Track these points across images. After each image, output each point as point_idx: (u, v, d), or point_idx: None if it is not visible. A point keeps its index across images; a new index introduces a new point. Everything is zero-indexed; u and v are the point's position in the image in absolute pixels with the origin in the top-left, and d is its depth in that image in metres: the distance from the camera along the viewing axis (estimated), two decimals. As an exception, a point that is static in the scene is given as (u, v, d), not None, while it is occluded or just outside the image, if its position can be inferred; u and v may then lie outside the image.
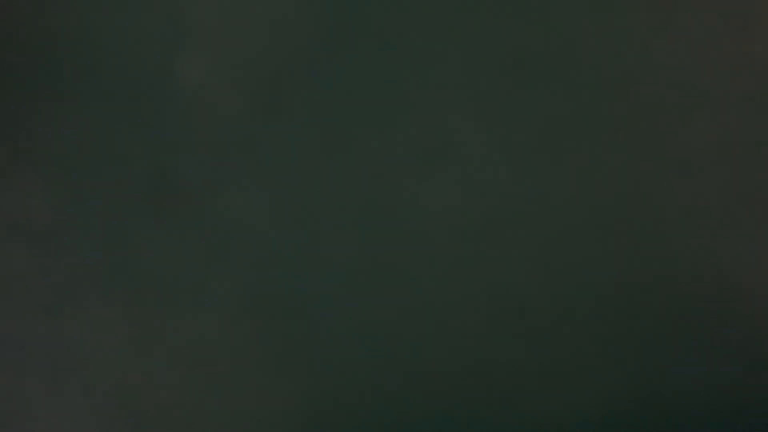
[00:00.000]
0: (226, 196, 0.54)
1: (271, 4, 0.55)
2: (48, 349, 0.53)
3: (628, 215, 0.54)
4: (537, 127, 0.54)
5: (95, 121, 0.54)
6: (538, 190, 0.54)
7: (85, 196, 0.54)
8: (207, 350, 0.54)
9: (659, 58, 0.54)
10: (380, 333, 0.54)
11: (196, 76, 0.54)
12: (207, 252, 0.54)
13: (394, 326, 0.54)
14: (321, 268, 0.54)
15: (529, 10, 0.54)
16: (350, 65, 0.54)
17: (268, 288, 0.54)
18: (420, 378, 0.53)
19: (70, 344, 0.53)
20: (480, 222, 0.54)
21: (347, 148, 0.54)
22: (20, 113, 0.54)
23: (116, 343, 0.54)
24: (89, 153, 0.54)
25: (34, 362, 0.53)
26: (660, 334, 0.54)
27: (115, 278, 0.54)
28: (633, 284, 0.54)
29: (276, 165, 0.54)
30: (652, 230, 0.54)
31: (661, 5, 0.55)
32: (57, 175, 0.54)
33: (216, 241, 0.54)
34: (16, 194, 0.54)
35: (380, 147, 0.54)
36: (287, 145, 0.54)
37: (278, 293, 0.54)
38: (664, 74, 0.54)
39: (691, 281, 0.53)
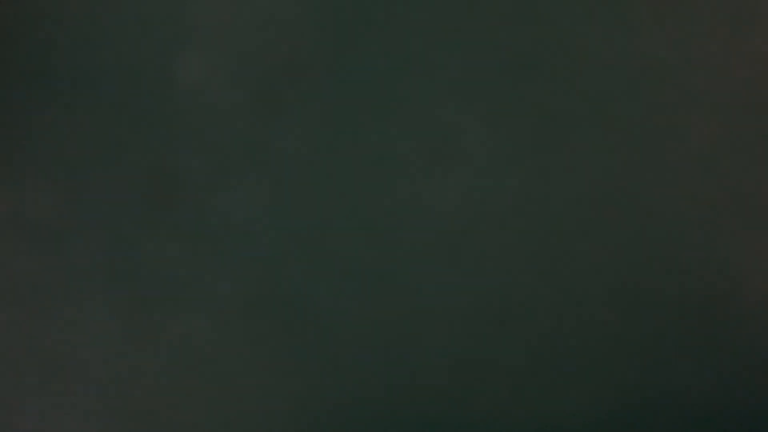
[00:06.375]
0: (226, 195, 0.54)
1: (271, 4, 0.55)
2: (47, 349, 0.53)
3: (629, 215, 0.54)
4: (540, 127, 0.54)
5: (95, 121, 0.54)
6: (540, 189, 0.54)
7: (85, 195, 0.54)
8: (208, 350, 0.54)
9: (660, 57, 0.54)
10: (380, 333, 0.54)
11: (196, 76, 0.54)
12: (207, 251, 0.54)
13: (394, 326, 0.54)
14: (322, 268, 0.54)
15: (532, 8, 0.55)
16: (351, 64, 0.54)
17: (269, 287, 0.54)
18: (421, 377, 0.53)
19: (70, 344, 0.53)
20: (483, 221, 0.54)
21: (348, 147, 0.54)
22: (20, 113, 0.54)
23: (116, 343, 0.54)
24: (89, 153, 0.54)
25: (33, 362, 0.53)
26: (660, 334, 0.54)
27: (115, 277, 0.54)
28: (633, 284, 0.54)
29: (276, 165, 0.54)
30: (653, 230, 0.54)
31: (661, 5, 0.55)
32: (57, 175, 0.54)
33: (216, 240, 0.54)
34: (16, 194, 0.54)
35: (381, 146, 0.54)
36: (287, 144, 0.54)
37: (279, 292, 0.54)
38: (666, 74, 0.54)
39: (691, 281, 0.54)
